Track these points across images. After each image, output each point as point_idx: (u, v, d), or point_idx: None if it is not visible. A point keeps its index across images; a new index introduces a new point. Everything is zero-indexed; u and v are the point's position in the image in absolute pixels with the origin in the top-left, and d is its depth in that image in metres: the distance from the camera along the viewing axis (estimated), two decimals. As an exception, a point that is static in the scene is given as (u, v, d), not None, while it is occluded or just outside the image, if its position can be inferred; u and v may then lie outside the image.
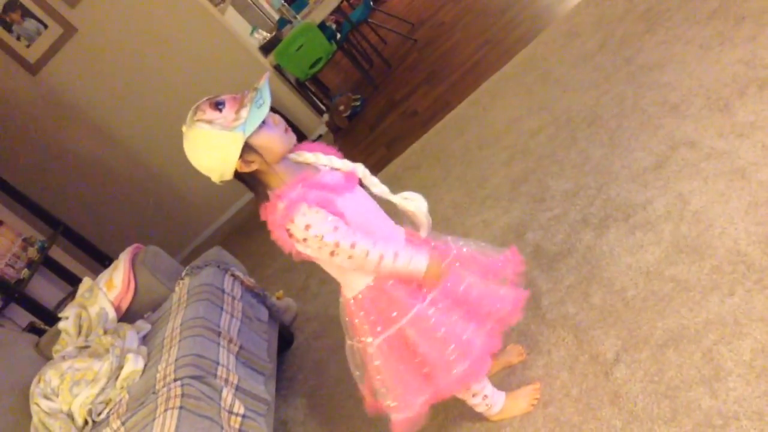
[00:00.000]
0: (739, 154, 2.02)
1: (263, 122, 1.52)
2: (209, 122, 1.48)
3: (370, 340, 1.66)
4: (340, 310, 1.75)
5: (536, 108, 3.17)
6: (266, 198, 1.59)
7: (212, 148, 1.50)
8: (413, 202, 1.67)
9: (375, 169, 4.12)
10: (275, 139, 1.55)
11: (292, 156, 1.62)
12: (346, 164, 1.64)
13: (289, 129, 1.60)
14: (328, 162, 1.63)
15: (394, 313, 1.62)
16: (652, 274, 1.91)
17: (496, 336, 1.69)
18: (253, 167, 1.55)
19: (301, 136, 5.30)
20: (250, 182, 1.60)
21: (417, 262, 1.59)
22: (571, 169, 2.59)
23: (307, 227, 1.48)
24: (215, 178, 1.56)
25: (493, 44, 4.26)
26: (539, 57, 3.58)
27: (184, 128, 1.53)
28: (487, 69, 3.99)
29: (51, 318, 3.70)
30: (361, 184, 1.67)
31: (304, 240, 1.49)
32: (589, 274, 2.09)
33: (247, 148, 1.51)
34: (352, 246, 1.50)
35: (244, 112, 1.49)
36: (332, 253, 1.51)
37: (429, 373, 1.66)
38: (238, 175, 1.57)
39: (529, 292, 1.80)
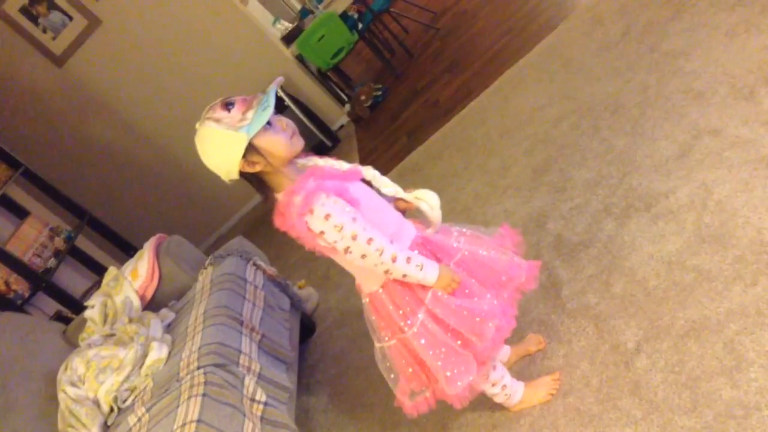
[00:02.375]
0: (763, 143, 1.99)
1: (270, 125, 1.54)
2: (217, 121, 1.52)
3: (409, 323, 1.66)
4: (364, 311, 1.75)
5: (559, 97, 3.15)
6: (271, 200, 1.61)
7: (217, 146, 1.53)
8: (425, 203, 1.69)
9: (396, 159, 4.16)
10: (279, 144, 1.56)
11: (300, 162, 1.66)
12: (355, 166, 1.68)
13: (297, 135, 1.61)
14: (337, 165, 1.67)
15: (421, 294, 1.64)
16: (674, 263, 1.89)
17: (513, 303, 1.72)
18: (257, 168, 1.57)
19: (323, 127, 5.31)
20: (256, 183, 1.63)
21: (429, 269, 1.61)
22: (593, 158, 2.57)
23: (327, 217, 1.49)
24: (223, 176, 1.59)
25: (516, 32, 4.23)
26: (562, 45, 3.54)
27: (197, 125, 1.57)
28: (510, 57, 3.97)
29: (77, 306, 3.78)
30: (371, 186, 1.70)
31: (322, 233, 1.50)
32: (610, 264, 2.07)
33: (252, 149, 1.53)
34: (369, 241, 1.52)
35: (249, 114, 1.52)
36: (347, 250, 1.52)
37: (463, 343, 1.66)
38: (244, 175, 1.60)
39: (540, 262, 1.82)
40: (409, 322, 1.66)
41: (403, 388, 1.76)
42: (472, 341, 1.65)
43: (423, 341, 1.66)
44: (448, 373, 1.67)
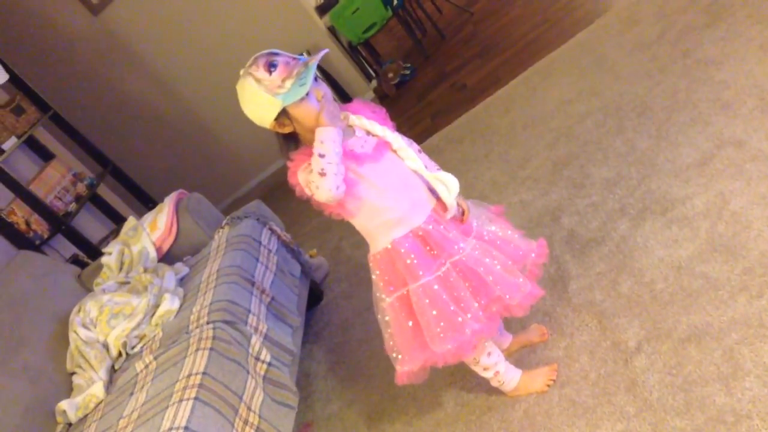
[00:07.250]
0: (785, 159, 2.01)
1: (306, 95, 1.60)
2: (257, 81, 1.59)
3: (383, 296, 1.78)
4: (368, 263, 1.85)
5: (587, 93, 3.15)
6: (288, 157, 1.69)
7: (253, 102, 1.62)
8: (442, 186, 1.73)
9: (418, 140, 4.12)
10: (311, 115, 1.63)
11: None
12: (385, 132, 1.73)
13: (331, 105, 1.65)
14: (369, 127, 1.73)
15: (406, 278, 1.73)
16: (683, 269, 1.92)
17: (495, 320, 1.79)
18: (286, 130, 1.67)
19: (348, 100, 5.33)
20: (281, 140, 1.72)
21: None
22: (614, 157, 2.58)
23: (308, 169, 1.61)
24: (256, 123, 1.68)
25: (551, 24, 4.22)
26: (596, 41, 3.54)
27: (241, 71, 1.64)
28: (542, 48, 3.96)
29: (94, 252, 3.85)
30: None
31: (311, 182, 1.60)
32: (620, 264, 2.10)
33: (284, 113, 1.62)
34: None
35: (288, 83, 1.58)
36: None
37: (421, 342, 1.76)
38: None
39: (544, 292, 1.84)
40: (383, 296, 1.78)
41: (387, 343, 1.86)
42: (429, 343, 1.74)
43: (387, 318, 1.80)
44: (394, 355, 1.81)
